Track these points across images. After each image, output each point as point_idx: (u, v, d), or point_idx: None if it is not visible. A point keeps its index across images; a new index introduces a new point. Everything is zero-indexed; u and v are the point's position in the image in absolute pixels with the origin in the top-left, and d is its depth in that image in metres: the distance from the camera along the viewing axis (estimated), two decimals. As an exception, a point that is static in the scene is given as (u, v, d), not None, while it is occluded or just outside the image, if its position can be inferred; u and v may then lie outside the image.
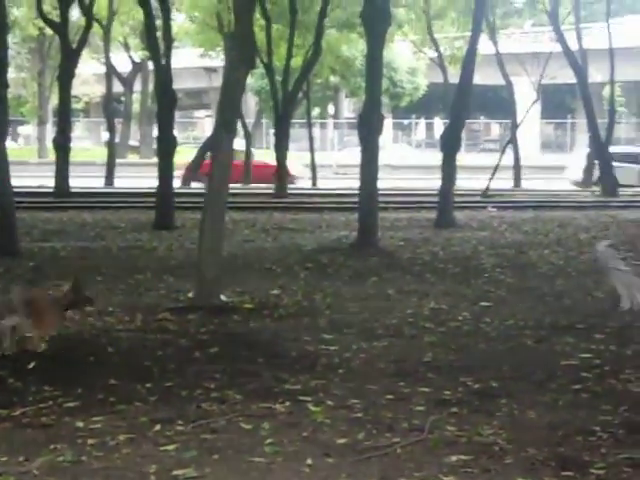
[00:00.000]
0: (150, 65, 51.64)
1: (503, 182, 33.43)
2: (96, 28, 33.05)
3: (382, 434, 6.08)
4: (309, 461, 5.55)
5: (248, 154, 34.54)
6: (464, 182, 30.97)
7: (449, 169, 20.39)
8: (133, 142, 59.78)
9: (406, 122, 65.32)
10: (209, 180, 10.54)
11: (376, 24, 15.87)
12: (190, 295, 10.90)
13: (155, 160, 36.75)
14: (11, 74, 16.50)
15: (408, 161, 52.19)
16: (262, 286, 12.03)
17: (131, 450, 5.73)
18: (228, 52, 32.69)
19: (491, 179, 29.55)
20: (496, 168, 30.57)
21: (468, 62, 20.05)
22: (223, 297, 10.69)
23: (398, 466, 5.48)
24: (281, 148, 27.74)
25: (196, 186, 32.50)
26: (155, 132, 58.84)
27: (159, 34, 20.38)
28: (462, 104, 20.35)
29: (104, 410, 6.56)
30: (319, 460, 5.58)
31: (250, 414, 6.48)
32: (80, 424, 6.23)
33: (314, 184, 34.86)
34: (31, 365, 7.83)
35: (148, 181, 32.07)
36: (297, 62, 30.68)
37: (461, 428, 6.17)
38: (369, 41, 16.15)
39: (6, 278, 12.57)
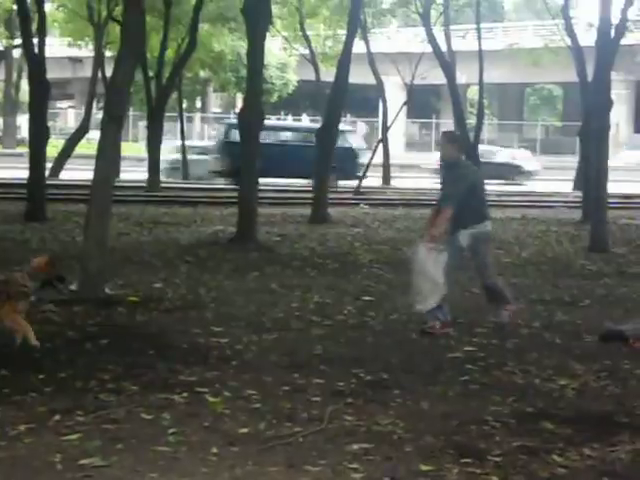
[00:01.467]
0: (15, 53, 50.61)
1: (372, 180, 33.86)
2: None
3: (282, 424, 6.19)
4: (214, 450, 5.62)
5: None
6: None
7: (324, 166, 20.60)
8: (-5, 132, 58.36)
9: (274, 118, 65.41)
10: (95, 171, 10.44)
11: (257, 20, 15.93)
12: (73, 287, 10.78)
13: (18, 150, 36.14)
14: None
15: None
16: (144, 279, 11.99)
17: (33, 440, 5.70)
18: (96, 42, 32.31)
19: (363, 177, 29.93)
20: (368, 166, 30.98)
21: (344, 61, 20.26)
22: (107, 289, 10.63)
23: (302, 455, 5.60)
24: (154, 142, 27.55)
25: (65, 177, 31.99)
26: (19, 122, 57.67)
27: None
28: (338, 102, 20.58)
29: (0, 400, 6.49)
30: (224, 449, 5.65)
31: (149, 405, 6.50)
32: (-23, 415, 6.16)
33: (185, 178, 34.68)
34: None
35: (11, 172, 31.50)
36: (168, 55, 30.52)
37: (359, 418, 6.33)
38: (250, 37, 16.20)
39: None
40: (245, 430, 6.02)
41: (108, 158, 10.47)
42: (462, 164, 9.54)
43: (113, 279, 11.46)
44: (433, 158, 53.25)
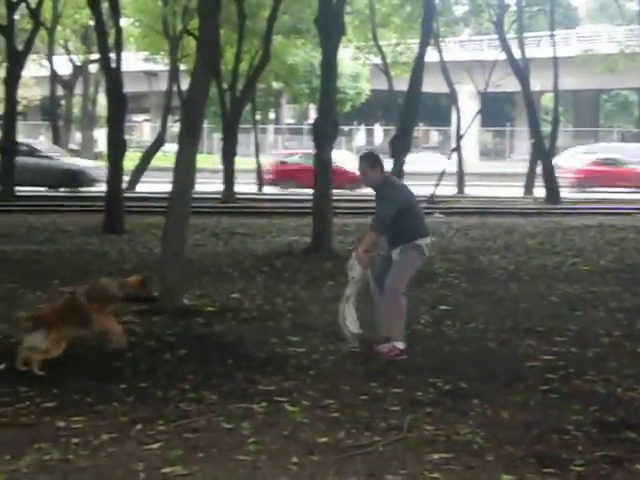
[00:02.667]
0: (91, 68, 51.41)
1: (446, 189, 33.73)
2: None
3: (361, 433, 6.19)
4: (294, 459, 5.64)
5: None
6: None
7: (397, 175, 20.56)
8: (73, 146, 59.28)
9: (347, 128, 65.53)
10: (173, 183, 10.57)
11: (331, 31, 16.00)
12: (151, 298, 10.89)
13: (96, 164, 36.64)
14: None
15: (348, 167, 52.29)
16: (221, 290, 12.08)
17: (116, 449, 5.78)
18: (173, 54, 32.70)
19: (437, 185, 29.82)
20: (442, 175, 30.87)
21: (417, 69, 20.23)
22: (185, 300, 10.73)
23: (382, 464, 5.59)
24: (229, 153, 27.76)
25: (141, 190, 32.39)
26: (96, 135, 58.54)
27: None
28: (411, 111, 20.56)
29: (83, 410, 6.59)
30: (304, 458, 5.67)
31: (229, 414, 6.55)
32: (61, 424, 6.26)
33: (260, 189, 34.89)
34: (2, 366, 7.83)
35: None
36: (242, 67, 30.77)
37: (438, 427, 6.30)
38: (324, 48, 16.27)
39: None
40: (324, 439, 6.03)
41: (185, 171, 10.56)
42: (389, 185, 8.65)
43: (191, 290, 11.58)
44: (508, 166, 53.06)
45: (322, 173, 15.99)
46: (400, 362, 8.25)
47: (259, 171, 34.80)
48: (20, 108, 63.03)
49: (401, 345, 8.45)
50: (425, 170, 39.64)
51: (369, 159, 8.71)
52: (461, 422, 6.44)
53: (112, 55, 19.98)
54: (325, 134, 15.81)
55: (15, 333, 9.02)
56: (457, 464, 5.59)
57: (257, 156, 35.07)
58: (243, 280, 13.05)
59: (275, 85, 47.35)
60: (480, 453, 5.79)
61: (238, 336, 9.19)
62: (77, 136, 62.30)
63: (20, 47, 26.34)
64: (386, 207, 8.50)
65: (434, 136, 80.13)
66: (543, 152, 32.30)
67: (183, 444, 5.90)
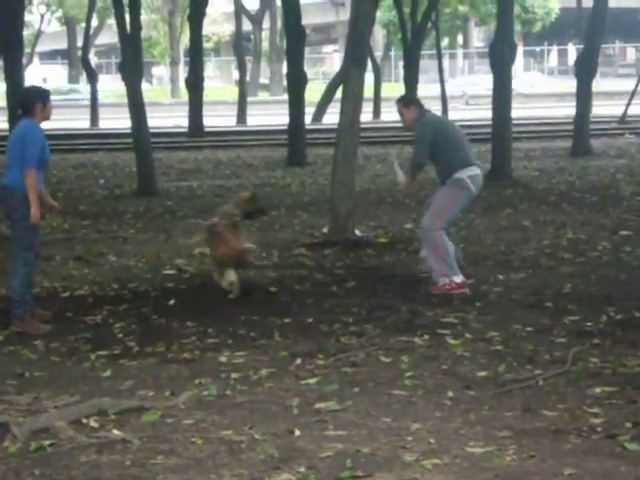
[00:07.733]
0: (278, 2, 51.70)
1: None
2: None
3: (523, 366, 6.04)
4: (450, 394, 5.54)
5: (377, 88, 34.35)
6: (600, 109, 30.16)
7: (584, 96, 19.88)
8: (263, 80, 59.93)
9: (538, 49, 63.75)
10: (341, 114, 10.50)
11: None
12: (324, 230, 10.95)
13: (285, 97, 36.99)
14: (142, 16, 16.74)
15: (540, 89, 51.09)
16: (396, 220, 12.02)
17: (273, 384, 5.81)
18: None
19: (628, 105, 28.67)
20: (633, 94, 29.63)
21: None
22: (357, 231, 10.71)
23: (541, 398, 5.43)
24: (411, 81, 27.43)
25: (327, 122, 32.49)
26: (285, 69, 59.11)
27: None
28: (597, 28, 19.75)
29: (245, 345, 6.67)
30: (460, 393, 5.56)
31: (389, 347, 6.51)
32: (223, 359, 6.35)
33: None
34: (172, 302, 8.02)
35: (279, 118, 32.30)
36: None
37: (604, 359, 6.09)
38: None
39: (146, 217, 12.87)
40: (483, 373, 5.91)
41: (353, 101, 10.46)
42: (420, 121, 8.42)
43: (365, 221, 11.55)
44: None
45: (500, 96, 15.61)
46: (572, 292, 8.01)
47: (444, 97, 34.24)
48: (211, 44, 64.29)
49: (458, 279, 8.08)
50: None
51: (404, 99, 8.82)
52: (630, 354, 6.21)
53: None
54: (502, 56, 15.38)
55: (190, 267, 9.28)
56: (620, 398, 5.38)
57: (442, 82, 34.47)
58: (419, 209, 12.87)
59: (461, 8, 46.40)
60: (646, 386, 5.55)
61: (407, 267, 9.13)
62: (267, 71, 62.91)
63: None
64: (417, 144, 8.55)
65: (631, 53, 77.05)
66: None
67: (340, 378, 5.89)
